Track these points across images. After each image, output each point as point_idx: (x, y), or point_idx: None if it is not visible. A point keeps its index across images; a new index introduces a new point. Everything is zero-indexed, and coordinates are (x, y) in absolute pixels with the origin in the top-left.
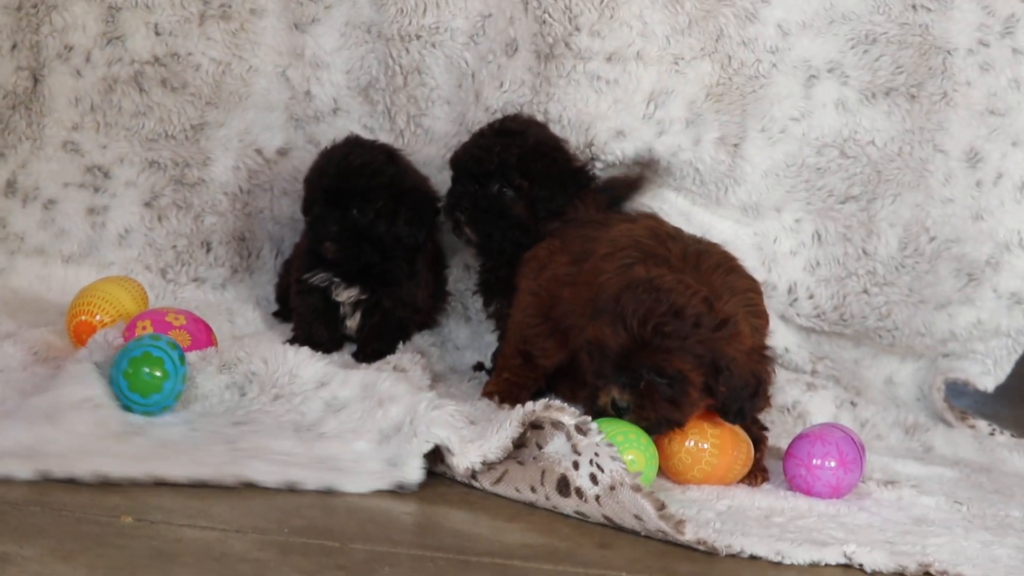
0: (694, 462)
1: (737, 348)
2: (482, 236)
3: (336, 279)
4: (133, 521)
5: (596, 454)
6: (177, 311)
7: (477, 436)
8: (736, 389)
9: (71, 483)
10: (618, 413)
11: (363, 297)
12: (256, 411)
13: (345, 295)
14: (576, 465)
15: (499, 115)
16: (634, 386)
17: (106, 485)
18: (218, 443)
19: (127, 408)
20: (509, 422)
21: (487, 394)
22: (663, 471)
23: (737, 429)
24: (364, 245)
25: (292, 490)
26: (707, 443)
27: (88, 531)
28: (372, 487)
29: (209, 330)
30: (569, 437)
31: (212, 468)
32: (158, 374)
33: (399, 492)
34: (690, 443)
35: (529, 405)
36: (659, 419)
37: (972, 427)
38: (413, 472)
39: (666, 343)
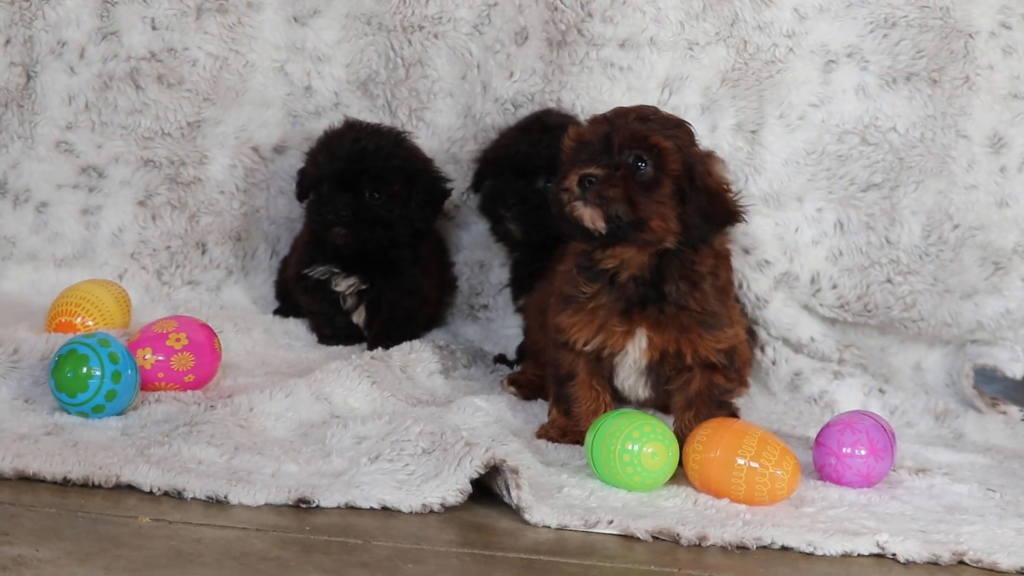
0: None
1: (713, 169)
2: (529, 232)
3: (335, 270)
4: (151, 521)
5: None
6: (179, 330)
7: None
8: (704, 206)
9: (87, 485)
10: (585, 187)
11: (363, 287)
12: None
13: (344, 284)
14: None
15: (509, 105)
16: (611, 164)
17: (123, 487)
18: (131, 446)
19: (63, 409)
20: (470, 460)
21: (511, 381)
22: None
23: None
24: (376, 230)
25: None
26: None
27: (105, 532)
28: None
29: (212, 343)
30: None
31: (92, 467)
32: (82, 371)
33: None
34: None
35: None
36: (624, 199)
37: (1003, 413)
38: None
39: (649, 124)
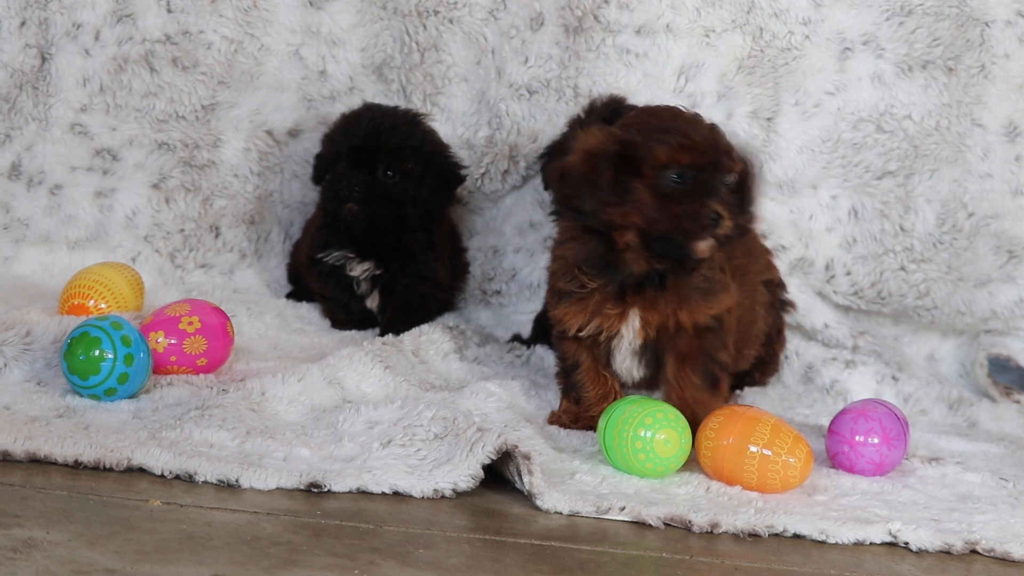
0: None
1: None
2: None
3: (350, 255)
4: (162, 505)
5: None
6: (191, 313)
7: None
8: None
9: (99, 468)
10: (718, 224)
11: (378, 272)
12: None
13: (359, 269)
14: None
15: (524, 91)
16: (725, 201)
17: (134, 470)
18: (143, 430)
19: (75, 391)
20: (482, 446)
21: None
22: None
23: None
24: (388, 207)
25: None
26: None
27: (116, 515)
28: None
29: (224, 327)
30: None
31: (104, 451)
32: (95, 354)
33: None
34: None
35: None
36: (736, 228)
37: (1017, 402)
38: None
39: (728, 145)
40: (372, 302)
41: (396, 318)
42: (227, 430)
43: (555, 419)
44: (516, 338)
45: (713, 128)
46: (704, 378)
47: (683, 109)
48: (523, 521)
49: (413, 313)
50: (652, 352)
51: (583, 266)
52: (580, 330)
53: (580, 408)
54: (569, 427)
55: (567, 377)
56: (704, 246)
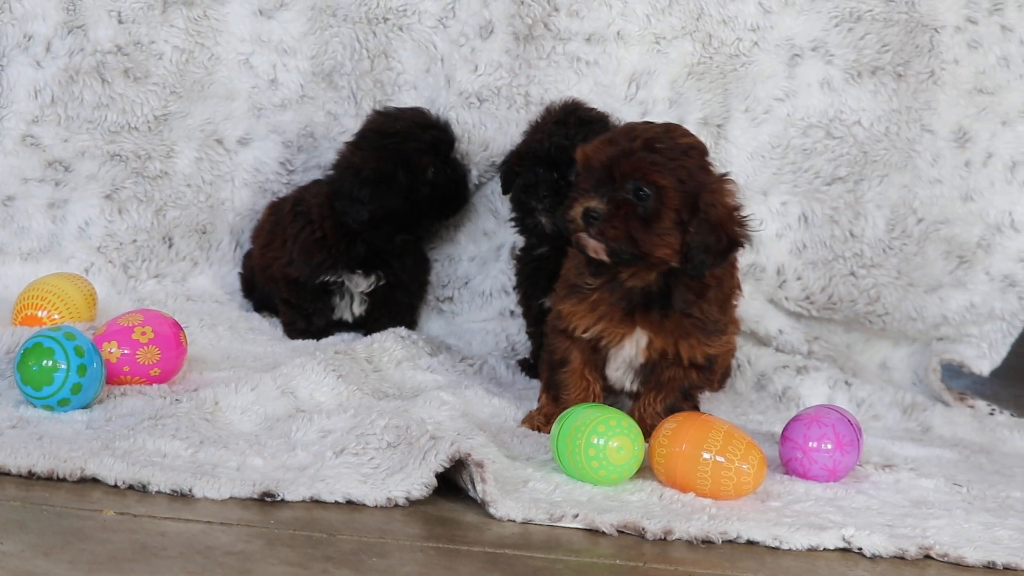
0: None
1: (720, 198)
2: (559, 226)
3: (351, 273)
4: (115, 515)
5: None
6: (144, 324)
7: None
8: (705, 237)
9: (52, 478)
10: (589, 223)
11: (382, 284)
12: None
13: (364, 285)
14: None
15: (474, 99)
16: (612, 200)
17: (87, 480)
18: (96, 440)
19: (29, 402)
20: (435, 454)
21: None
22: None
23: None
24: None
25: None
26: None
27: (70, 526)
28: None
29: (177, 337)
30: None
31: (57, 461)
32: (47, 364)
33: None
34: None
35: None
36: (626, 238)
37: (971, 407)
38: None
39: (653, 156)
40: (358, 309)
41: (382, 318)
42: (180, 440)
43: (528, 421)
44: (524, 363)
45: (640, 134)
46: (668, 413)
47: (652, 128)
48: (476, 529)
49: (414, 307)
50: (649, 372)
51: (588, 260)
52: (585, 331)
53: (557, 408)
54: (542, 430)
55: (552, 373)
56: (589, 243)
